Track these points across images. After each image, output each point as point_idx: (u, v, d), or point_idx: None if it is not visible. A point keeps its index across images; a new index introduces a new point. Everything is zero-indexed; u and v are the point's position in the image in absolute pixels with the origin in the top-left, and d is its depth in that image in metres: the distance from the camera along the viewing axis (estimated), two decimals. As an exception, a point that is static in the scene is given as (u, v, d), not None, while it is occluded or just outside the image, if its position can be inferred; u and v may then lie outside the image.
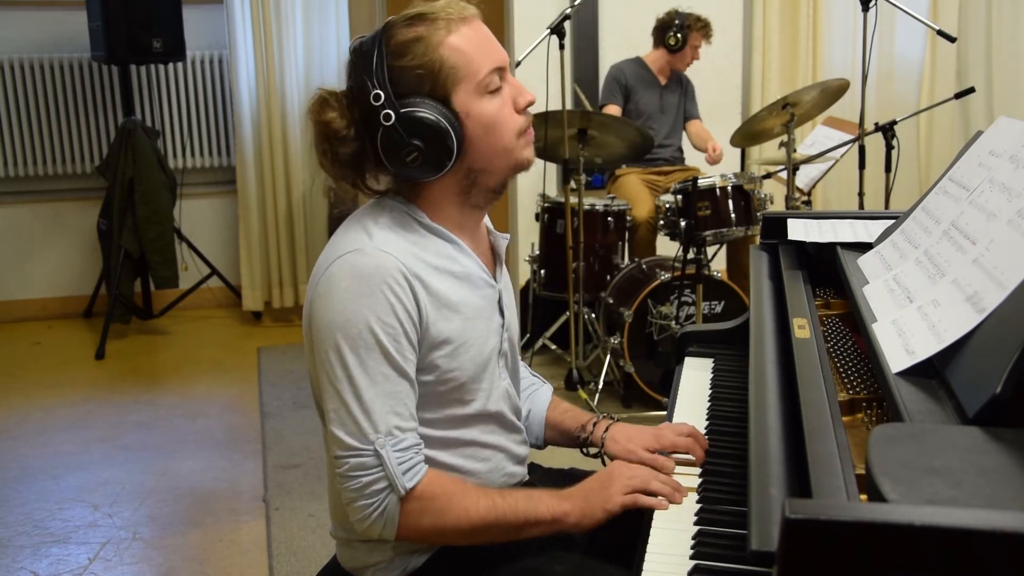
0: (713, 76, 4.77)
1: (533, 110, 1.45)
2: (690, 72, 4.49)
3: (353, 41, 1.38)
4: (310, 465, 3.21)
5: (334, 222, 4.93)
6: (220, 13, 4.83)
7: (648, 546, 1.23)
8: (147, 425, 3.65)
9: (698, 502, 1.32)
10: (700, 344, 1.90)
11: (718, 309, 3.64)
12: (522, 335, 4.05)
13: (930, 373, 1.08)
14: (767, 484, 1.03)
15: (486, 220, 1.52)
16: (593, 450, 1.57)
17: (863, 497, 0.96)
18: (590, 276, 3.83)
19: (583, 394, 3.55)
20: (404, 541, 1.36)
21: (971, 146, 1.49)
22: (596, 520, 1.34)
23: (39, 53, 4.82)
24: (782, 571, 0.76)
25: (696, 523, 1.25)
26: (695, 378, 1.77)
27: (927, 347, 1.10)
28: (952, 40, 3.49)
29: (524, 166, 1.42)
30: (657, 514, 1.30)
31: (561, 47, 3.39)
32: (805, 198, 4.06)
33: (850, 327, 1.53)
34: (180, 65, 4.96)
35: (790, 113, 3.64)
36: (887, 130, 3.66)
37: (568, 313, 3.70)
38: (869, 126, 3.65)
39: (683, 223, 3.56)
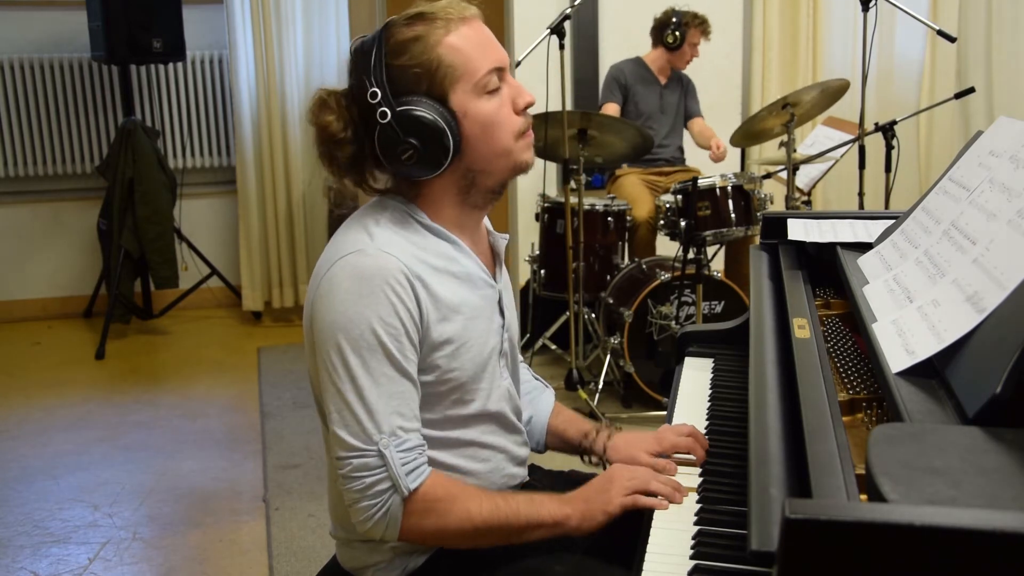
0: (713, 76, 4.76)
1: (533, 110, 1.45)
2: (690, 72, 4.49)
3: (354, 40, 1.39)
4: (310, 465, 3.21)
5: (334, 222, 4.93)
6: (220, 13, 4.83)
7: (648, 546, 1.23)
8: (147, 425, 3.65)
9: (698, 502, 1.32)
10: (700, 344, 1.90)
11: (718, 309, 3.64)
12: (522, 335, 4.05)
13: (930, 373, 1.08)
14: (767, 484, 1.03)
15: (485, 221, 1.52)
16: (594, 459, 1.58)
17: (863, 497, 0.96)
18: (590, 276, 3.83)
19: (583, 394, 3.55)
20: (406, 542, 1.36)
21: (971, 146, 1.49)
22: (597, 523, 1.34)
23: (39, 53, 4.82)
24: (782, 571, 0.76)
25: (696, 523, 1.25)
26: (695, 378, 1.77)
27: (927, 347, 1.10)
28: (952, 40, 3.49)
29: (523, 169, 1.42)
30: (657, 514, 1.30)
31: (561, 47, 3.38)
32: (805, 198, 4.06)
33: (850, 327, 1.53)
34: (180, 65, 4.96)
35: (790, 113, 3.64)
36: (887, 130, 3.66)
37: (568, 313, 3.70)
38: (869, 126, 3.65)
39: (683, 223, 3.56)
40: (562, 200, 3.70)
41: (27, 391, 4.04)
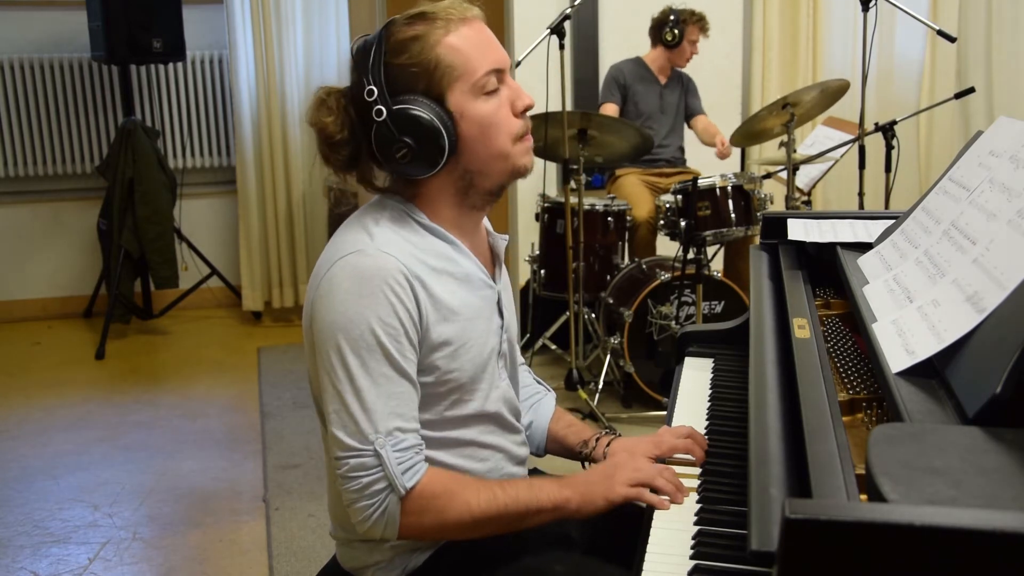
0: (713, 76, 4.76)
1: (532, 111, 1.44)
2: (690, 72, 4.49)
3: (356, 39, 1.39)
4: (310, 465, 3.21)
5: (334, 222, 4.92)
6: (220, 13, 4.83)
7: (648, 546, 1.22)
8: (147, 425, 3.65)
9: (698, 502, 1.32)
10: (700, 344, 1.90)
11: (718, 309, 3.64)
12: (522, 335, 4.05)
13: (930, 373, 1.08)
14: (767, 484, 1.03)
15: (485, 221, 1.52)
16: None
17: (863, 497, 0.96)
18: (590, 276, 3.83)
19: (583, 394, 3.55)
20: (407, 540, 1.36)
21: (971, 146, 1.49)
22: (597, 508, 1.34)
23: (39, 53, 4.82)
24: (782, 571, 0.76)
25: (696, 523, 1.25)
26: (695, 378, 1.77)
27: (927, 347, 1.10)
28: (952, 40, 3.49)
29: (522, 173, 1.42)
30: (657, 514, 1.30)
31: (561, 47, 3.38)
32: (805, 198, 4.06)
33: (850, 327, 1.53)
34: (180, 65, 4.96)
35: (790, 113, 3.64)
36: (887, 130, 3.66)
37: (568, 313, 3.70)
38: (869, 126, 3.65)
39: (683, 223, 3.56)
40: (562, 200, 3.70)
41: (27, 391, 4.04)
